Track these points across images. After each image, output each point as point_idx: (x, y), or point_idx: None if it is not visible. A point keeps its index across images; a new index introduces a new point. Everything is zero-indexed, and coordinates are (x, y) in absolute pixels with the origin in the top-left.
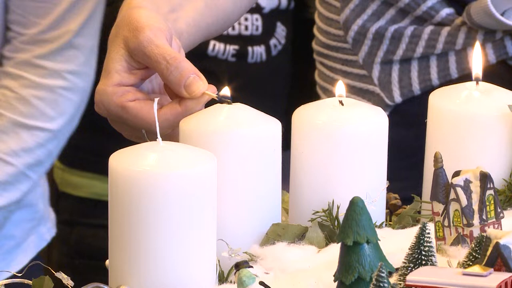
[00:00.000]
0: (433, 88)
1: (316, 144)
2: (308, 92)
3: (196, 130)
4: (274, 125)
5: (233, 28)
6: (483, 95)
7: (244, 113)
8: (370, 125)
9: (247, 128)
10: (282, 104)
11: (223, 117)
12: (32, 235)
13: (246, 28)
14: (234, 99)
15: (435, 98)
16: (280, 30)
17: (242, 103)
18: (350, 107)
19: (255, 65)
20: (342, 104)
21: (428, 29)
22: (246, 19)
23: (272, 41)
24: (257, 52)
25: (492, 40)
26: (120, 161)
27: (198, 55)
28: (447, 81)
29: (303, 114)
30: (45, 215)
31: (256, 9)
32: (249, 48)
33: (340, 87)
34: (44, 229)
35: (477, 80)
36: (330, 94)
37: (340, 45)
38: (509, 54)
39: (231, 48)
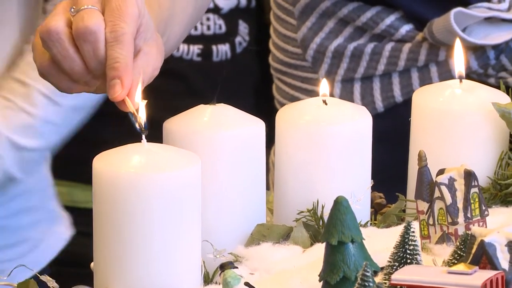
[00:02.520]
0: (396, 105)
1: (300, 144)
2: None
3: (180, 131)
4: (258, 126)
5: (196, 29)
6: (467, 93)
7: (228, 113)
8: (354, 124)
9: (231, 128)
10: (250, 101)
11: (207, 117)
12: (48, 236)
13: (209, 28)
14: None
15: (418, 97)
16: (243, 28)
17: (210, 102)
18: (334, 107)
19: (220, 64)
20: (326, 104)
21: (389, 46)
22: (208, 19)
23: (237, 39)
24: (222, 50)
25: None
26: (104, 163)
27: None
28: (410, 97)
29: (287, 114)
30: (58, 215)
31: (215, 10)
32: (213, 47)
33: (324, 85)
34: (60, 229)
35: (460, 78)
36: None
37: (298, 63)
38: (472, 68)
39: (195, 48)
